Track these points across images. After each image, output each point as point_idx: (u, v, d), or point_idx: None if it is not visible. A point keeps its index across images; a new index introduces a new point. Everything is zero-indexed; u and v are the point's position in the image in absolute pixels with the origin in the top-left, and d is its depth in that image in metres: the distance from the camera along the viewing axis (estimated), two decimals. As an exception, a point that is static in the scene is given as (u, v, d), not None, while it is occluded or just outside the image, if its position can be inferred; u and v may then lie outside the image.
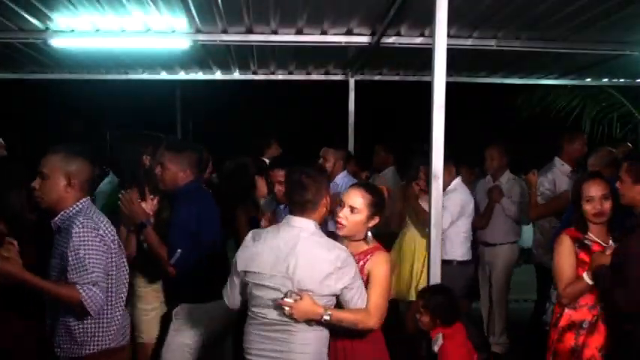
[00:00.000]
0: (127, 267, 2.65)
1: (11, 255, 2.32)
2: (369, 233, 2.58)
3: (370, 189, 2.62)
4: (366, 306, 2.39)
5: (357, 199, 2.54)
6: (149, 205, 3.15)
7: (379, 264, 2.50)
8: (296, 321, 2.29)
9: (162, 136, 4.25)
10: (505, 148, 4.84)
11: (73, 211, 2.47)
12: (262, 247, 2.36)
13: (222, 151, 4.89)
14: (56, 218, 2.47)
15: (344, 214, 2.54)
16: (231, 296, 2.50)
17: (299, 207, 2.39)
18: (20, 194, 2.75)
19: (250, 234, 2.46)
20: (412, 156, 4.49)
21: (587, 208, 2.85)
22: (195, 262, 3.07)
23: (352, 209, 2.54)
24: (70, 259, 2.33)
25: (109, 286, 2.46)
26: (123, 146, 4.24)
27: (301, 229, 2.36)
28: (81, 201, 2.50)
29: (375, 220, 2.58)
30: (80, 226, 2.37)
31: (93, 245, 2.37)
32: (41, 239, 2.60)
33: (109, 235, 2.48)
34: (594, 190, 2.84)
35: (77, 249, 2.33)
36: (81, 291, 2.30)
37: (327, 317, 2.29)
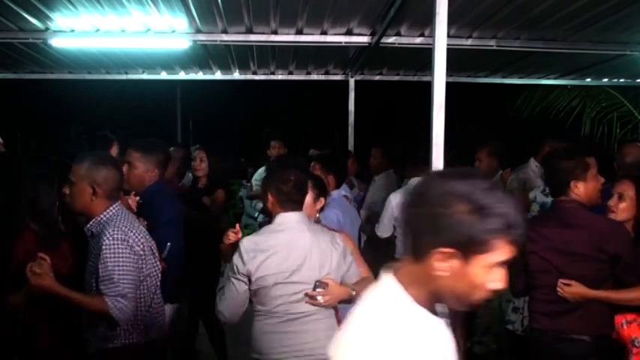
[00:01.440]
0: (158, 271, 2.65)
1: (43, 270, 2.37)
2: (318, 214, 2.82)
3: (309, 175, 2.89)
4: (364, 274, 2.60)
5: None
6: (132, 202, 3.15)
7: (347, 241, 2.68)
8: (325, 308, 2.42)
9: (112, 137, 4.28)
10: (494, 149, 4.78)
11: (105, 218, 2.51)
12: (272, 249, 2.39)
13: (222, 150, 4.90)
14: (89, 224, 2.53)
15: None
16: (234, 306, 2.43)
17: (298, 205, 2.51)
18: (51, 194, 2.76)
19: (248, 243, 2.42)
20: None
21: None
22: (179, 260, 3.10)
23: None
24: (100, 271, 2.38)
25: (140, 292, 2.51)
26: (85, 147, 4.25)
27: (300, 222, 2.48)
28: (110, 208, 2.53)
29: (321, 202, 2.81)
30: (110, 237, 2.42)
31: (122, 257, 2.41)
32: (73, 241, 2.71)
33: (139, 243, 2.50)
34: (616, 187, 2.89)
35: (106, 261, 2.38)
36: (109, 303, 2.35)
37: (353, 293, 2.42)
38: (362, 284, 2.51)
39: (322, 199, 2.83)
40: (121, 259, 2.41)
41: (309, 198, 2.73)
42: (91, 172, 2.52)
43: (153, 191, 3.17)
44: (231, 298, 2.41)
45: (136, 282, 2.45)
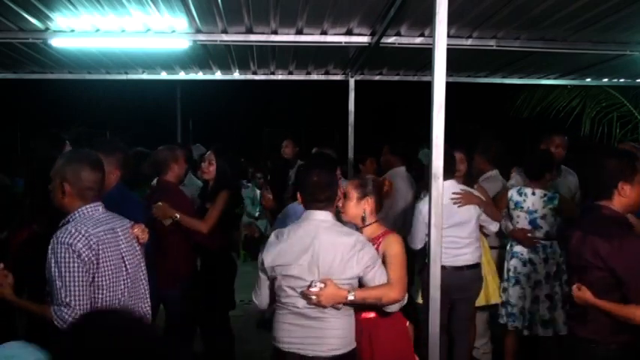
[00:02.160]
0: (127, 288, 2.50)
1: (2, 281, 2.39)
2: (364, 214, 2.87)
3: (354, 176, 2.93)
4: (387, 280, 2.61)
5: (346, 186, 2.95)
6: None
7: (391, 244, 2.75)
8: (325, 307, 2.49)
9: (64, 136, 4.31)
10: (484, 148, 4.81)
11: (71, 218, 2.41)
12: (287, 241, 2.57)
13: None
14: (60, 224, 2.44)
15: (341, 203, 2.88)
16: (261, 295, 2.70)
17: (322, 203, 2.62)
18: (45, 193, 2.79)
19: (273, 234, 2.67)
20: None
21: None
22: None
23: (344, 195, 2.90)
24: (47, 275, 2.32)
25: (94, 299, 2.36)
26: (35, 145, 4.26)
27: (321, 220, 2.60)
28: (79, 209, 2.42)
29: (368, 203, 2.87)
30: (55, 241, 2.31)
31: (66, 263, 2.28)
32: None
33: (90, 250, 2.33)
34: None
35: (51, 266, 2.30)
36: (52, 312, 2.28)
37: (351, 297, 2.50)
38: (369, 291, 2.57)
39: (369, 199, 2.87)
40: (64, 266, 2.27)
41: (353, 198, 2.84)
42: (62, 168, 2.44)
43: (117, 195, 3.14)
44: (258, 286, 2.69)
45: (82, 289, 2.30)
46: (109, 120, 17.28)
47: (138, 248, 2.64)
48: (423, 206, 3.90)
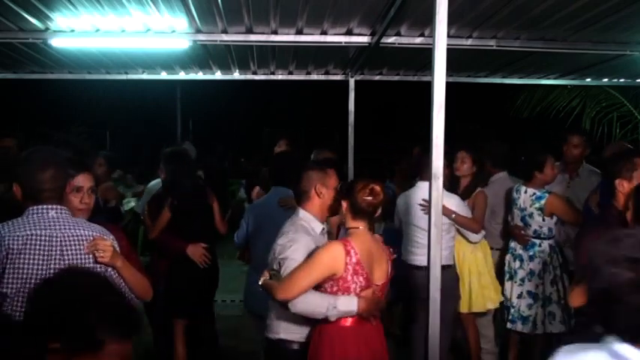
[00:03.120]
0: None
1: None
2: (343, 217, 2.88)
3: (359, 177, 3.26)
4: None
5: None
6: None
7: (319, 249, 2.71)
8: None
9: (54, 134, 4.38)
10: (483, 151, 4.78)
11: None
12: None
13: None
14: None
15: None
16: None
17: (296, 198, 2.95)
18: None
19: None
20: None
21: None
22: None
23: None
24: None
25: None
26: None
27: (295, 214, 2.90)
28: (26, 211, 2.24)
29: (343, 207, 2.83)
30: None
31: None
32: None
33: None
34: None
35: None
36: None
37: (259, 282, 2.78)
38: (269, 282, 2.74)
39: (344, 204, 2.82)
40: None
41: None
42: (16, 168, 2.30)
43: None
44: None
45: None
46: (109, 120, 17.29)
47: (92, 266, 2.28)
48: (418, 191, 4.05)
